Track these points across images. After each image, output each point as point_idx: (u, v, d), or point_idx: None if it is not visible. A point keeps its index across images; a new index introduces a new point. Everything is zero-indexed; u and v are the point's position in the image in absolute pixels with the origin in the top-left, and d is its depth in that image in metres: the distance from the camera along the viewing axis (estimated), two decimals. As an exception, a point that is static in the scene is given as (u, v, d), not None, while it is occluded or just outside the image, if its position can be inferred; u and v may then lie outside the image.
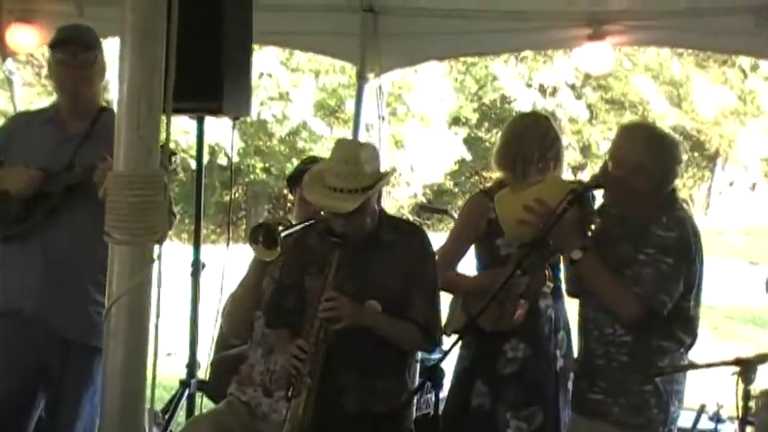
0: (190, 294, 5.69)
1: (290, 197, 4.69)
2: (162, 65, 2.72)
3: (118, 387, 2.80)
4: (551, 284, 4.46)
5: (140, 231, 2.74)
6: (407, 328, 3.98)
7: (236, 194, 21.12)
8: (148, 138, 2.70)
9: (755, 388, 4.99)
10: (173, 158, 4.06)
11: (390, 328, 3.96)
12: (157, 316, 2.90)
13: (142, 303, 2.78)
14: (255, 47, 7.06)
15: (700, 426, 5.05)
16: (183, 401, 5.61)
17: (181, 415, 5.65)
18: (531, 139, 4.53)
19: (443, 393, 4.61)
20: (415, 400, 5.06)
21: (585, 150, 20.29)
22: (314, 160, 4.67)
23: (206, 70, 5.28)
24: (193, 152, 5.97)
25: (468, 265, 4.69)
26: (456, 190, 21.02)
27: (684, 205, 4.19)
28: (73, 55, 4.37)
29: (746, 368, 3.32)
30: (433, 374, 3.82)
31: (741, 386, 3.34)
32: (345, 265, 3.90)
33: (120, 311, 2.75)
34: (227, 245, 5.96)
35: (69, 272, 4.32)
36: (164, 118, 2.90)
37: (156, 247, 2.83)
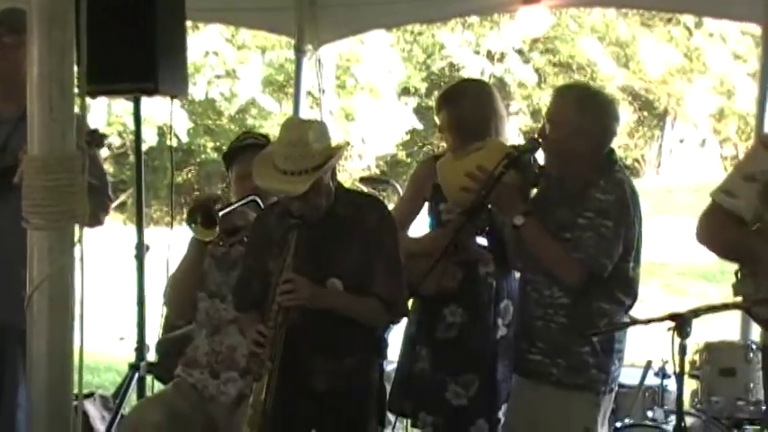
0: (135, 277, 5.67)
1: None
2: (72, 45, 2.67)
3: (43, 374, 2.77)
4: (482, 251, 4.46)
5: (58, 216, 2.69)
6: (370, 304, 3.93)
7: (188, 175, 21.01)
8: (62, 120, 2.66)
9: (699, 342, 5.11)
10: (104, 139, 3.99)
11: (353, 306, 3.92)
12: (82, 300, 2.85)
13: (64, 288, 2.74)
14: (199, 25, 7.01)
15: (646, 382, 5.12)
16: (134, 385, 5.59)
17: (132, 398, 5.64)
18: (467, 103, 4.53)
19: (392, 364, 4.65)
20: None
21: (536, 115, 20.32)
22: (247, 137, 4.63)
23: (140, 50, 5.25)
24: (142, 135, 5.89)
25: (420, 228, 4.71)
26: (408, 160, 21.01)
27: (623, 166, 4.21)
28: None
29: (682, 323, 3.34)
30: (377, 345, 3.83)
31: (677, 341, 3.36)
32: (304, 246, 3.85)
33: (41, 297, 2.72)
34: (171, 226, 5.94)
35: (2, 257, 4.27)
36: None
37: (78, 230, 2.78)
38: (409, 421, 4.76)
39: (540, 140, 4.02)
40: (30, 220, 2.69)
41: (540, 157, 4.15)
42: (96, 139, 3.90)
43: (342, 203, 3.99)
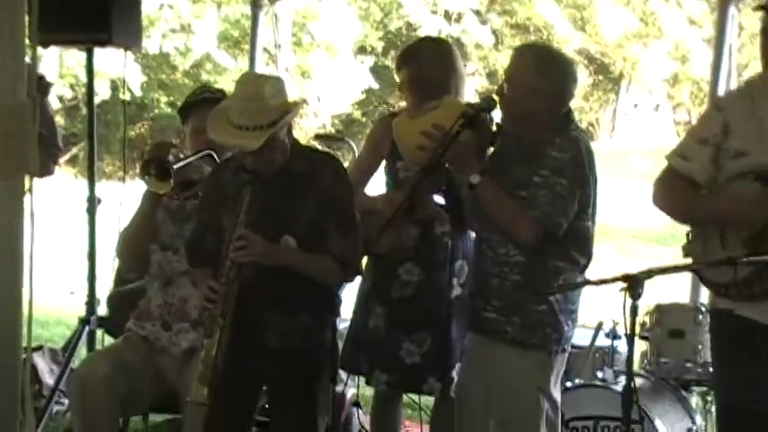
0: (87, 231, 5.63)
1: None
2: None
3: (-9, 326, 2.74)
4: (438, 209, 4.46)
5: (8, 165, 2.65)
6: (324, 262, 3.91)
7: (141, 130, 20.81)
8: (12, 68, 2.61)
9: (649, 304, 5.16)
10: (49, 88, 3.93)
11: (306, 263, 3.90)
12: (31, 253, 2.81)
13: (13, 239, 2.69)
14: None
15: (597, 343, 5.16)
16: (84, 338, 5.56)
17: (82, 352, 5.61)
18: (427, 61, 4.51)
19: (345, 322, 4.65)
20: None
21: (492, 76, 20.29)
22: (203, 91, 4.59)
23: (93, 0, 5.17)
24: (95, 87, 5.82)
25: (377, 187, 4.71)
26: (364, 119, 20.94)
27: (579, 126, 4.22)
28: None
29: (634, 284, 3.36)
30: (330, 302, 3.82)
31: (629, 302, 3.38)
32: (258, 202, 3.83)
33: (-9, 248, 2.68)
34: (123, 180, 5.89)
35: None
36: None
37: (27, 180, 2.74)
38: (362, 379, 4.78)
39: (497, 99, 4.02)
40: (-23, 169, 2.64)
41: (497, 116, 4.15)
42: (42, 86, 3.84)
43: (297, 160, 3.96)
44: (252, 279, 3.82)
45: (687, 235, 3.68)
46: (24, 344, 2.91)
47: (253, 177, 3.84)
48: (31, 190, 2.74)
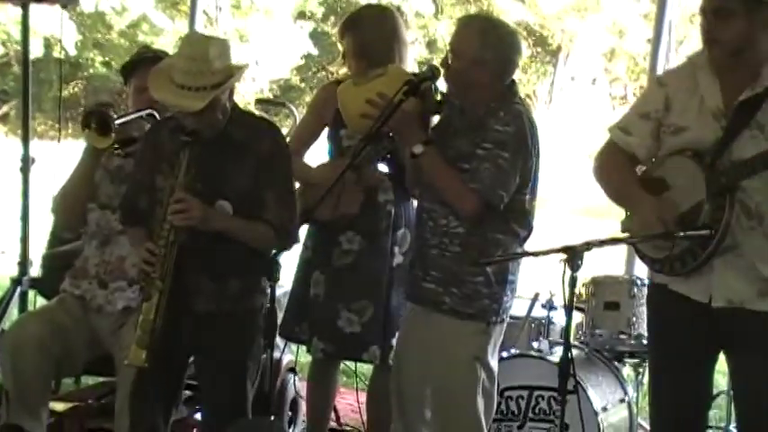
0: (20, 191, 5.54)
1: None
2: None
3: None
4: (383, 177, 4.45)
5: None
6: (260, 229, 3.88)
7: (75, 89, 20.52)
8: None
9: (586, 277, 5.20)
10: None
11: (242, 230, 3.87)
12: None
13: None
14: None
15: (533, 314, 5.20)
16: (16, 299, 5.48)
17: (14, 313, 5.53)
18: (371, 29, 4.48)
19: (282, 288, 4.63)
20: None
21: (432, 45, 20.33)
22: (147, 51, 4.53)
23: (30, -44, 5.07)
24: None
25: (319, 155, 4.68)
26: (303, 85, 20.86)
27: (523, 98, 4.23)
28: None
29: (573, 255, 3.38)
30: (268, 268, 3.80)
31: (568, 273, 3.41)
32: (195, 164, 3.78)
33: None
34: (59, 140, 5.80)
35: None
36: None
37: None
38: (301, 347, 4.77)
39: (441, 69, 4.02)
40: None
41: (442, 86, 4.14)
42: None
43: (236, 125, 3.92)
44: (185, 242, 3.78)
45: (626, 210, 3.72)
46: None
47: (191, 140, 3.80)
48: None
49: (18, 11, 5.75)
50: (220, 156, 3.87)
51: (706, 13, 3.49)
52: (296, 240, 4.11)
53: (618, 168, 3.69)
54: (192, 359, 4.02)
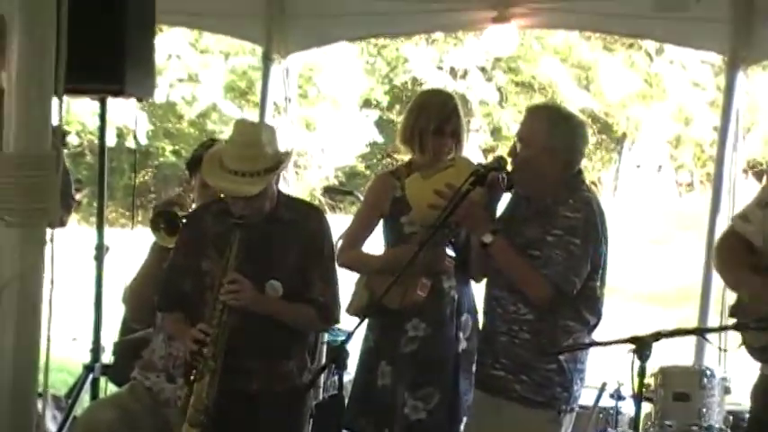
0: (94, 278, 5.63)
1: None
2: (53, 46, 2.67)
3: (9, 372, 2.76)
4: (451, 263, 4.47)
5: (30, 213, 2.69)
6: (304, 310, 4.00)
7: (146, 177, 20.86)
8: (39, 118, 2.66)
9: (654, 366, 5.15)
10: (65, 139, 3.96)
11: (288, 312, 3.98)
12: (50, 300, 2.84)
13: (34, 287, 2.73)
14: (163, 27, 6.97)
15: (601, 403, 5.16)
16: (87, 386, 5.54)
17: (85, 399, 5.59)
18: (428, 111, 4.52)
19: (350, 376, 4.64)
20: (322, 382, 5.09)
21: (496, 133, 20.37)
22: (212, 143, 4.61)
23: (108, 51, 5.22)
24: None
25: (376, 245, 4.70)
26: (368, 172, 20.97)
27: (590, 186, 4.26)
28: None
29: (641, 346, 3.37)
30: (337, 356, 3.84)
31: (637, 363, 3.39)
32: (245, 247, 3.88)
33: (11, 295, 2.70)
34: (132, 227, 5.91)
35: None
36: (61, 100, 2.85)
37: (49, 229, 2.78)
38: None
39: (509, 158, 4.06)
40: (2, 217, 2.68)
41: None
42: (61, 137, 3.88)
43: (283, 208, 4.04)
44: (235, 323, 3.85)
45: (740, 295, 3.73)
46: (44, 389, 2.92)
47: (241, 222, 3.88)
48: (52, 239, 2.77)
49: (92, 102, 5.90)
50: (269, 237, 3.98)
51: None
52: (337, 321, 4.20)
53: (734, 254, 3.72)
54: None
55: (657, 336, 3.39)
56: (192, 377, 3.83)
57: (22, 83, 2.68)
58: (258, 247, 3.93)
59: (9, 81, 2.71)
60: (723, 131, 6.38)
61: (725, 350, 5.12)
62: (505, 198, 4.27)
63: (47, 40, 2.70)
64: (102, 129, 5.85)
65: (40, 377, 2.98)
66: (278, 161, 3.90)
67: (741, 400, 5.21)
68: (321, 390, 5.17)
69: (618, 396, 5.15)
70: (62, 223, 4.31)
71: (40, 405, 5.77)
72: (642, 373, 3.40)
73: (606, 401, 5.17)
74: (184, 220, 4.24)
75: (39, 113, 2.68)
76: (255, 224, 3.92)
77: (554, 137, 3.98)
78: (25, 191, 2.70)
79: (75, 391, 5.50)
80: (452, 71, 20.22)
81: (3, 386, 2.82)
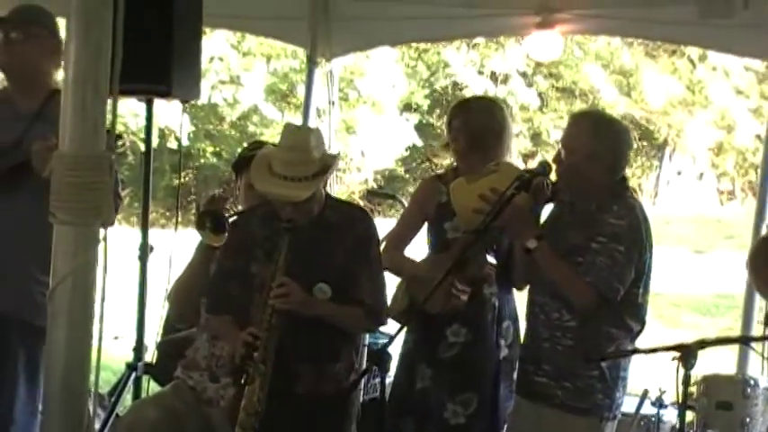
0: (138, 278, 5.68)
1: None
2: (108, 47, 2.71)
3: (60, 367, 2.80)
4: (492, 270, 4.47)
5: (85, 212, 2.73)
6: (353, 312, 4.01)
7: (187, 178, 20.99)
8: (94, 119, 2.70)
9: (696, 374, 5.12)
10: (119, 141, 4.01)
11: (337, 314, 3.99)
12: (102, 299, 2.88)
13: (87, 284, 2.77)
14: (206, 30, 7.00)
15: (642, 411, 5.13)
16: (130, 384, 5.58)
17: (127, 398, 5.62)
18: (480, 120, 4.54)
19: (390, 378, 4.65)
20: (363, 385, 5.11)
21: (536, 138, 20.35)
22: (258, 146, 4.64)
23: (155, 52, 5.24)
24: (143, 135, 5.93)
25: (419, 249, 4.71)
26: (407, 176, 21.01)
27: (634, 193, 4.25)
28: (5, 33, 4.33)
29: (687, 354, 3.37)
30: (379, 359, 3.85)
31: (681, 371, 3.39)
32: (294, 249, 3.90)
33: (64, 292, 2.75)
34: (176, 228, 5.95)
35: (12, 252, 4.27)
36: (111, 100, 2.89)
37: (102, 229, 2.82)
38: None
39: (553, 164, 4.06)
40: (56, 215, 2.72)
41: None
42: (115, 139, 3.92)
43: (329, 210, 4.06)
44: (285, 326, 3.87)
45: None
46: (92, 388, 2.96)
47: (290, 225, 3.90)
48: (105, 238, 2.81)
49: (133, 103, 5.96)
50: (317, 240, 4.00)
51: None
52: (384, 323, 4.22)
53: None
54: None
55: (702, 344, 3.39)
56: (242, 381, 3.85)
57: (78, 83, 2.72)
58: (306, 250, 3.95)
59: (65, 82, 2.75)
60: (767, 139, 6.34)
61: (769, 359, 5.10)
62: (548, 206, 4.28)
63: (103, 42, 2.74)
64: (148, 130, 5.88)
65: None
66: (326, 165, 3.92)
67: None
68: (362, 392, 5.19)
69: (660, 404, 5.12)
70: (111, 222, 4.37)
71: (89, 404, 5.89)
72: (687, 382, 3.40)
73: (648, 409, 5.14)
74: (231, 220, 4.26)
75: (93, 114, 2.72)
76: (303, 227, 3.95)
77: (598, 143, 3.98)
78: (79, 190, 2.74)
79: (118, 390, 5.54)
80: (493, 76, 20.22)
81: (54, 384, 2.86)
